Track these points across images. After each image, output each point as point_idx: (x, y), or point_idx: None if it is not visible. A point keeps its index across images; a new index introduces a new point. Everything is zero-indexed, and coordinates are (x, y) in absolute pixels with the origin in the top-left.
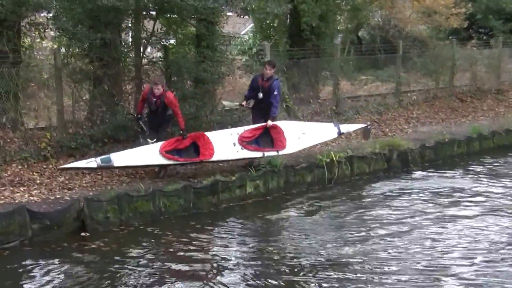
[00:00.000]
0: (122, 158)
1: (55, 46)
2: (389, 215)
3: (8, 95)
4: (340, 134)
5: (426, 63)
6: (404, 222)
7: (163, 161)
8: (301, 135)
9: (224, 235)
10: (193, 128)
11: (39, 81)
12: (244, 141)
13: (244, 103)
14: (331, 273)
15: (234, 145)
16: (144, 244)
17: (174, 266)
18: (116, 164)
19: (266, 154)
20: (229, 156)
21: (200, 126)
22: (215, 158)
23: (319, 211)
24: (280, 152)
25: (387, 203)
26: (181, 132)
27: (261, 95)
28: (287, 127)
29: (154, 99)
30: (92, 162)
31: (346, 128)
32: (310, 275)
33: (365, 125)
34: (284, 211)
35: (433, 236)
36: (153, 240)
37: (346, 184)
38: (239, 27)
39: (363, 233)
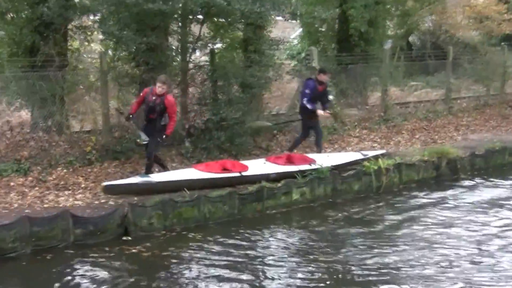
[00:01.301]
0: (161, 176)
1: (103, 49)
2: (438, 226)
3: (54, 98)
4: (365, 156)
5: (477, 69)
6: (453, 233)
7: (201, 174)
8: (326, 156)
9: (267, 242)
10: (238, 133)
11: (85, 84)
12: (273, 160)
13: (322, 112)
14: (378, 284)
15: (264, 163)
16: (185, 249)
17: (215, 272)
18: (155, 179)
19: (300, 168)
20: (266, 170)
21: (246, 131)
22: (252, 171)
23: (366, 220)
24: (313, 166)
25: (435, 213)
26: (164, 136)
27: (331, 96)
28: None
29: (154, 97)
30: (133, 179)
31: (370, 153)
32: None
33: (384, 151)
34: (330, 219)
35: (482, 248)
36: (194, 246)
37: (394, 193)
38: (288, 32)
39: (410, 244)
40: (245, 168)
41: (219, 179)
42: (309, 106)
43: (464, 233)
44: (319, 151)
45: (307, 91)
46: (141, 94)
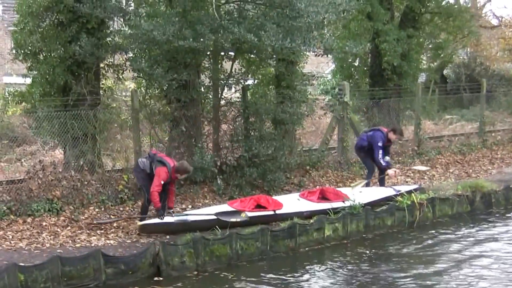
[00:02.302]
0: (194, 213)
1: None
2: (475, 263)
3: (86, 137)
4: (397, 191)
5: None
6: (490, 270)
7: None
8: (358, 192)
9: (301, 281)
10: (270, 170)
11: (117, 122)
12: (307, 196)
13: (392, 172)
14: None
15: (298, 200)
16: None
17: None
18: (190, 218)
19: (333, 205)
20: (299, 208)
21: (279, 167)
22: (285, 210)
23: (399, 257)
24: (347, 203)
25: (470, 248)
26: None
27: (388, 157)
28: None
29: (169, 179)
30: (169, 218)
31: (403, 188)
32: None
33: (416, 186)
34: (363, 256)
35: None
36: (227, 287)
37: (428, 228)
38: (322, 67)
39: (446, 283)
40: (279, 206)
41: (253, 217)
42: (383, 163)
43: (502, 269)
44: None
45: (380, 144)
46: (165, 177)
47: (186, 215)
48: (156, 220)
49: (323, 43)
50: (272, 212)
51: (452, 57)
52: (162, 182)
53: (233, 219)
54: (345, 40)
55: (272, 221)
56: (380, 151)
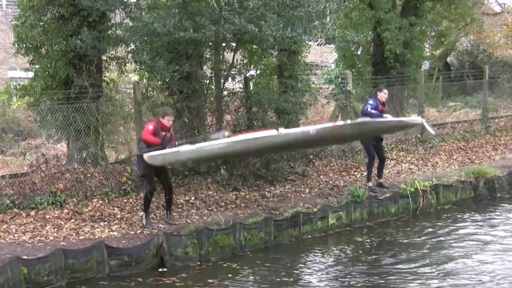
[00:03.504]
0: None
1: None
2: (476, 250)
3: (89, 130)
4: (399, 119)
5: None
6: (493, 256)
7: (237, 137)
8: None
9: (305, 269)
10: (274, 159)
11: (120, 115)
12: None
13: (390, 116)
14: None
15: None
16: (221, 280)
17: None
18: (195, 145)
19: (338, 123)
20: (304, 129)
21: (282, 157)
22: (291, 130)
23: (403, 244)
24: (348, 121)
25: (474, 236)
26: None
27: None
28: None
29: (164, 133)
30: (175, 148)
31: (405, 119)
32: None
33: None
34: (366, 244)
35: None
36: (231, 276)
37: (432, 215)
38: (326, 56)
39: (453, 271)
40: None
41: (256, 142)
42: (373, 112)
43: (505, 256)
44: (368, 178)
45: (371, 102)
46: (152, 128)
47: (191, 143)
48: (163, 151)
49: (324, 33)
50: (276, 132)
51: (455, 45)
52: (151, 128)
53: (220, 136)
54: (347, 30)
55: (280, 147)
56: (369, 107)
